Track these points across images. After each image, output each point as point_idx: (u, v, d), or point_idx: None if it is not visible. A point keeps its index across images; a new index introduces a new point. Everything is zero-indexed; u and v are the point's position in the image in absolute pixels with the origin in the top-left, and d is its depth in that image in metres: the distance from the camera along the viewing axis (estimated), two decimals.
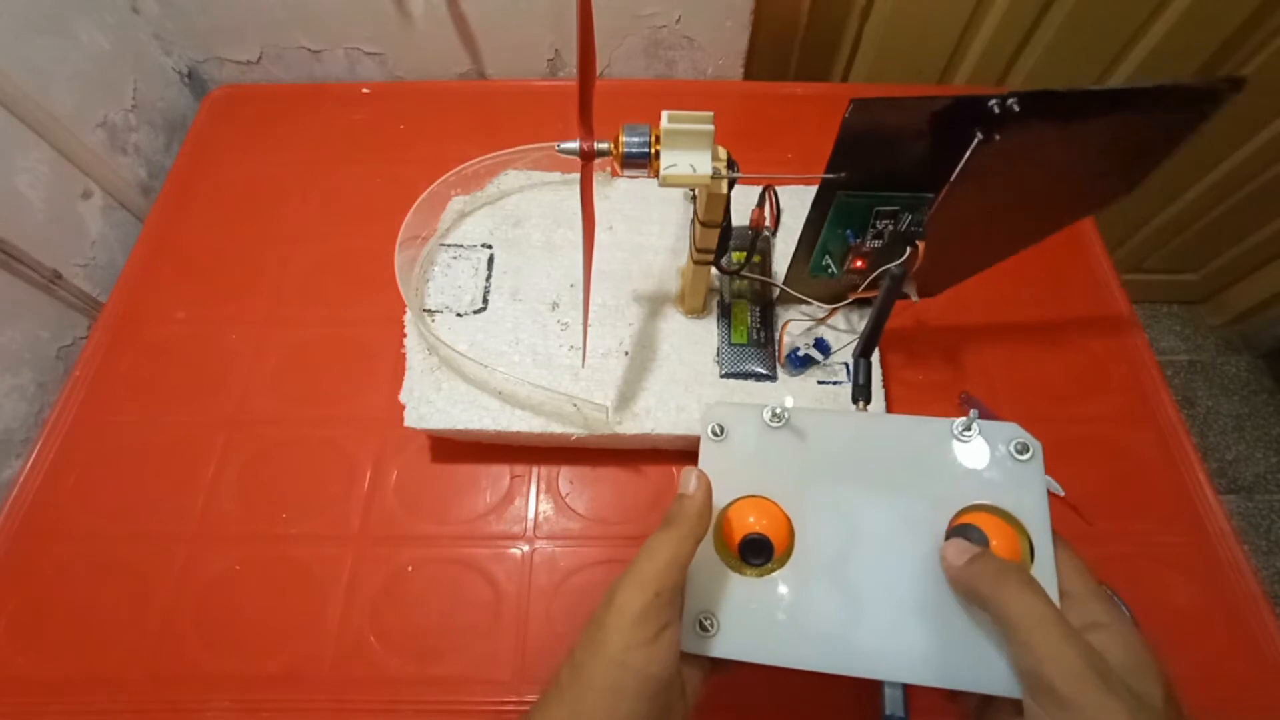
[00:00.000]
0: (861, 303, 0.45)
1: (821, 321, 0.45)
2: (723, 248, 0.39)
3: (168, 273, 0.53)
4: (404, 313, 0.45)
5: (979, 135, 0.31)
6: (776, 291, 0.46)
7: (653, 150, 0.32)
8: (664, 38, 0.62)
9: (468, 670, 0.39)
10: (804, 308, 0.45)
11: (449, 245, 0.49)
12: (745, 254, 0.47)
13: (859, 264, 0.40)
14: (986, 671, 0.25)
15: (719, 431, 0.30)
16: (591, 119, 0.31)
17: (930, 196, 0.36)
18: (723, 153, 0.34)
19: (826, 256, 0.41)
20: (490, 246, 0.49)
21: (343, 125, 0.61)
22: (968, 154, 0.32)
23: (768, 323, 0.45)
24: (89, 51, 0.55)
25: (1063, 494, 0.43)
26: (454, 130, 0.60)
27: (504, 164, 0.51)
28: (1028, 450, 0.28)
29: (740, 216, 0.43)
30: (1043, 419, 0.46)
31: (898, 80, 0.72)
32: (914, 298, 0.41)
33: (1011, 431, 0.29)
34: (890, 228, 0.38)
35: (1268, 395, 1.17)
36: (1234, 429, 1.14)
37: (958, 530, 0.27)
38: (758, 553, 0.27)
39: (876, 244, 0.39)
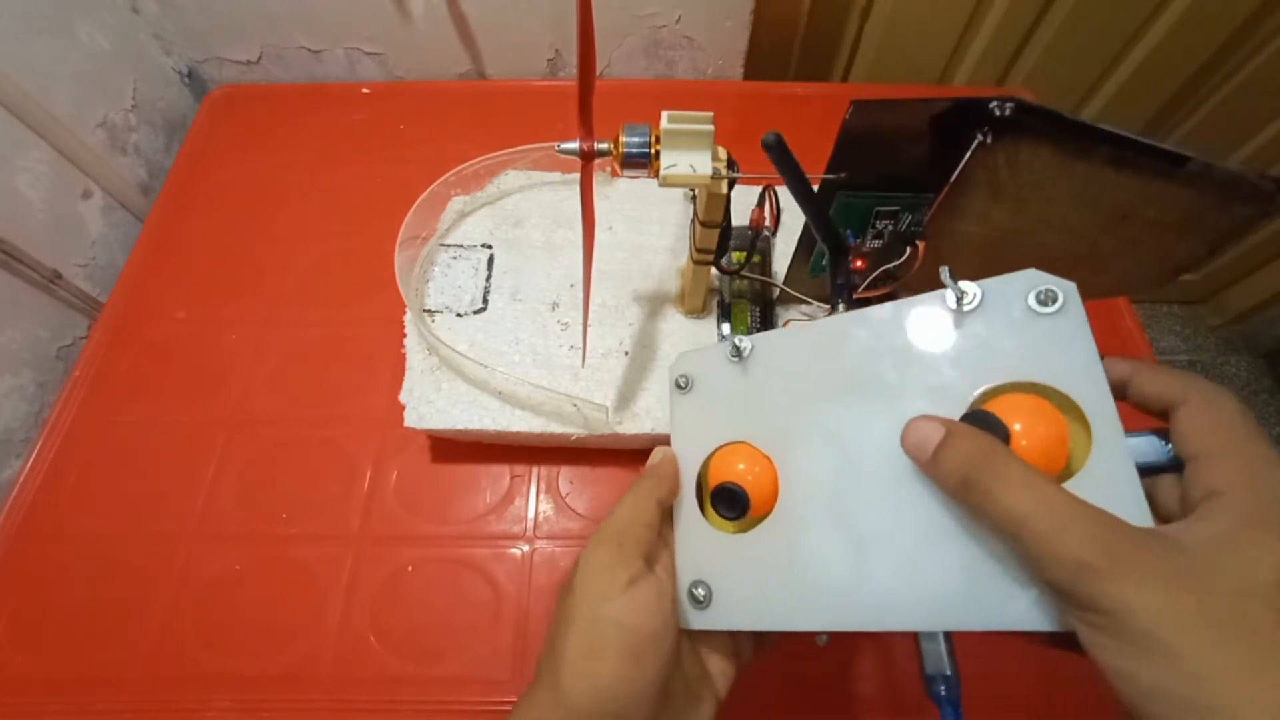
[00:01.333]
0: (862, 303, 0.45)
1: None
2: (723, 248, 0.39)
3: (168, 273, 0.53)
4: (404, 313, 0.45)
5: (979, 137, 0.31)
6: (776, 291, 0.46)
7: (653, 150, 0.32)
8: (664, 38, 0.62)
9: (467, 670, 0.39)
10: (804, 308, 0.45)
11: (449, 245, 0.49)
12: (745, 254, 0.47)
13: (859, 264, 0.40)
14: (1011, 603, 0.19)
15: (684, 384, 0.28)
16: (591, 119, 0.31)
17: (930, 197, 0.36)
18: (723, 153, 0.34)
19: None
20: (490, 246, 0.49)
21: (343, 125, 0.61)
22: (967, 155, 0.32)
23: (768, 323, 0.45)
24: (89, 51, 0.55)
25: None
26: (454, 130, 0.60)
27: (504, 164, 0.51)
28: (1056, 298, 0.21)
29: (740, 216, 0.43)
30: None
31: (898, 80, 0.72)
32: None
33: (1028, 281, 0.21)
34: (890, 228, 0.38)
35: (1268, 395, 1.17)
36: None
37: (970, 421, 0.20)
38: (731, 504, 0.24)
39: (876, 244, 0.39)
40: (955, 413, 0.21)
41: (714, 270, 0.42)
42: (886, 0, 0.66)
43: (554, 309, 0.46)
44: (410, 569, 0.42)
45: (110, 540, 0.43)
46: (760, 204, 0.48)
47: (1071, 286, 0.21)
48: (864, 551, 0.22)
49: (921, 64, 0.72)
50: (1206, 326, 1.23)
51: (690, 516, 0.27)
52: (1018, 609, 0.19)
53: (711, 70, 0.66)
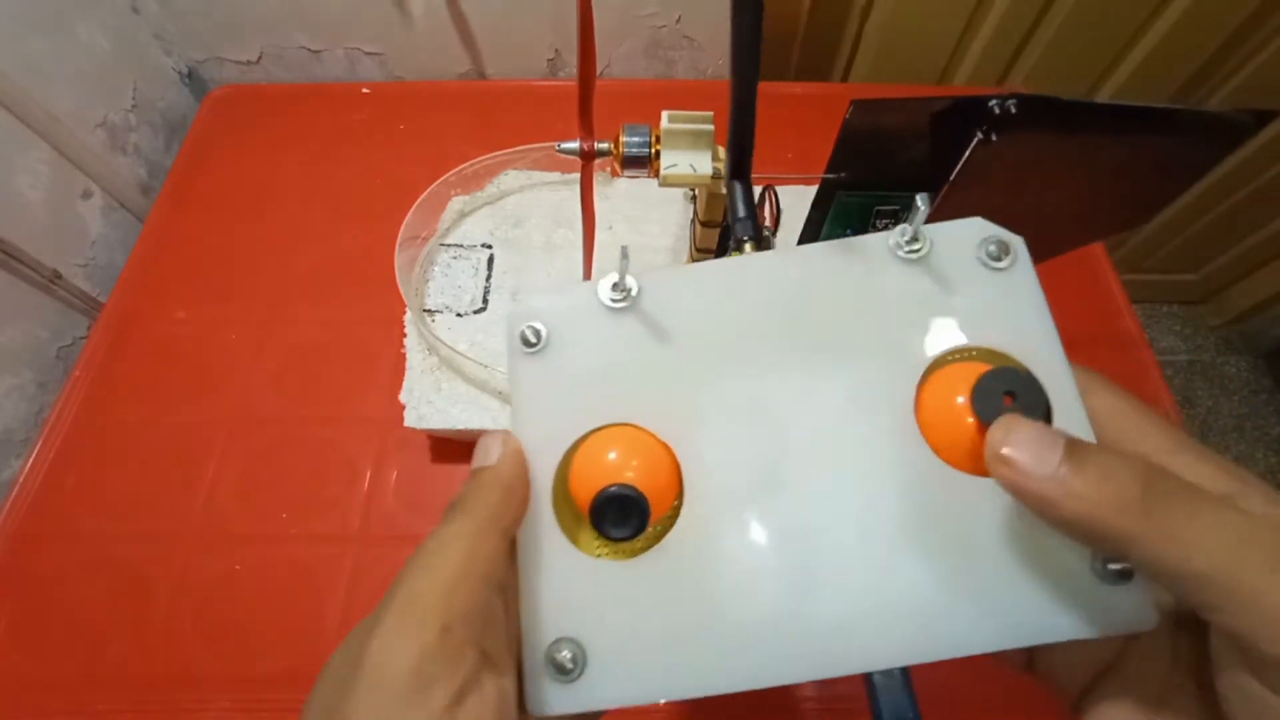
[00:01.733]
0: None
1: None
2: (723, 248, 0.39)
3: (168, 273, 0.53)
4: (404, 313, 0.45)
5: (979, 135, 0.31)
6: None
7: (653, 150, 0.32)
8: (664, 38, 0.62)
9: None
10: None
11: (449, 245, 0.49)
12: None
13: None
14: (1037, 610, 0.16)
15: (535, 339, 0.20)
16: (591, 119, 0.31)
17: (930, 196, 0.36)
18: (723, 153, 0.34)
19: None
20: (490, 246, 0.49)
21: (343, 125, 0.61)
22: (967, 154, 0.32)
23: None
24: (89, 51, 0.55)
25: None
26: (454, 130, 0.60)
27: (504, 164, 0.51)
28: (1008, 251, 0.19)
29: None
30: None
31: (898, 80, 0.72)
32: None
33: (977, 230, 0.20)
34: (890, 227, 0.38)
35: (1268, 395, 1.17)
36: (1234, 429, 1.14)
37: (984, 395, 0.16)
38: (622, 519, 0.17)
39: None
40: (909, 384, 0.18)
41: None
42: (886, 0, 0.66)
43: None
44: None
45: (110, 540, 0.43)
46: (760, 204, 0.48)
47: (1019, 240, 0.19)
48: (808, 568, 0.17)
49: (921, 64, 0.72)
50: (1206, 326, 1.23)
51: (548, 543, 0.18)
52: (1029, 619, 0.16)
53: (711, 70, 0.66)
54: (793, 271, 0.20)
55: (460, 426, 0.41)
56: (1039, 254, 0.39)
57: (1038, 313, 0.19)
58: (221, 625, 0.40)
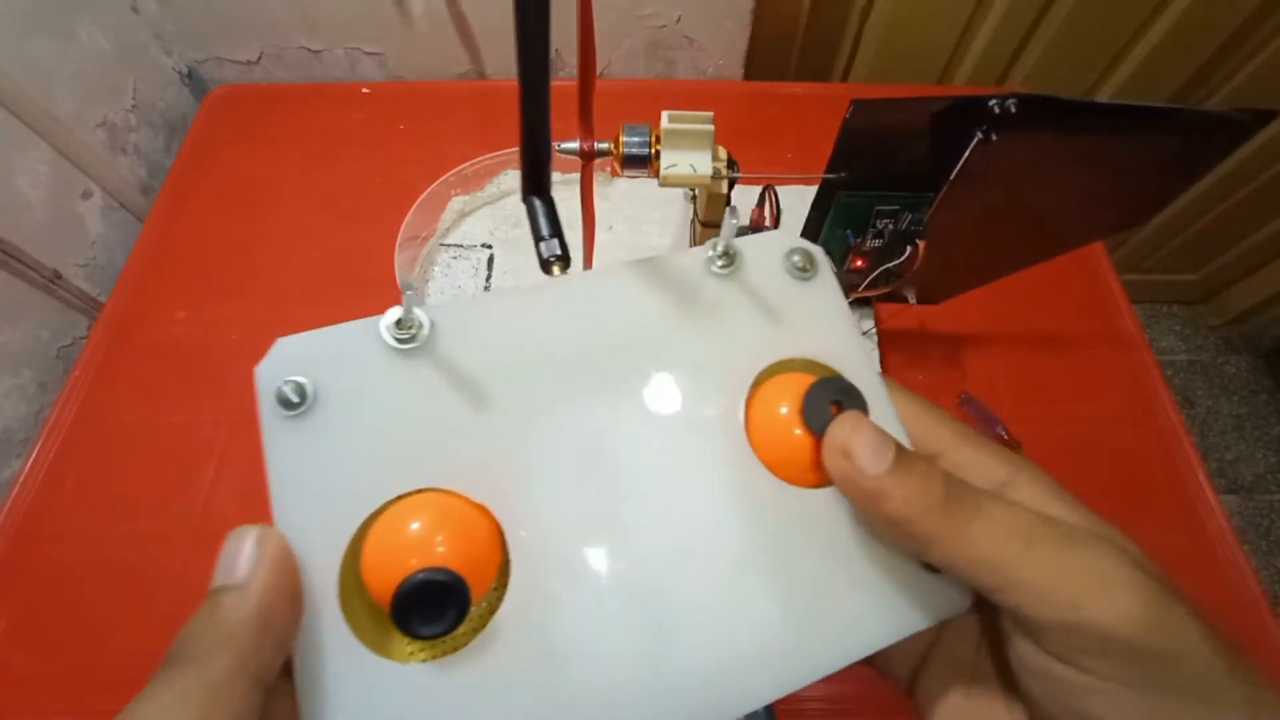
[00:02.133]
0: (861, 302, 0.45)
1: None
2: None
3: (168, 273, 0.53)
4: None
5: (979, 135, 0.31)
6: None
7: (653, 150, 0.32)
8: (664, 38, 0.62)
9: None
10: None
11: (449, 245, 0.49)
12: None
13: (859, 264, 0.41)
14: (881, 613, 0.17)
15: (297, 398, 0.16)
16: (591, 119, 0.31)
17: (931, 196, 0.36)
18: (723, 153, 0.34)
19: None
20: (490, 246, 0.49)
21: (343, 125, 0.61)
22: (967, 153, 0.32)
23: None
24: (89, 51, 0.55)
25: None
26: (454, 130, 0.60)
27: (504, 164, 0.51)
28: (813, 262, 0.19)
29: (740, 216, 0.43)
30: (1043, 419, 0.46)
31: (898, 80, 0.72)
32: (911, 300, 0.41)
33: (782, 242, 0.19)
34: (890, 227, 0.38)
35: (1268, 395, 1.17)
36: (1234, 429, 1.14)
37: (812, 406, 0.17)
38: (435, 611, 0.14)
39: (877, 244, 0.39)
40: (739, 396, 0.18)
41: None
42: (886, 0, 0.66)
43: None
44: None
45: (110, 540, 0.43)
46: (760, 204, 0.48)
47: (820, 250, 0.19)
48: (660, 622, 0.16)
49: (921, 64, 0.72)
50: (1206, 326, 1.23)
51: (342, 659, 0.15)
52: (875, 624, 0.16)
53: (711, 70, 0.66)
54: (606, 295, 0.18)
55: None
56: (1040, 253, 0.39)
57: (845, 320, 0.19)
58: None
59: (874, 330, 0.47)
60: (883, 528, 0.17)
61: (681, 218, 0.50)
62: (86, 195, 0.55)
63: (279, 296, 0.52)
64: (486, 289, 0.47)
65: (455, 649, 0.15)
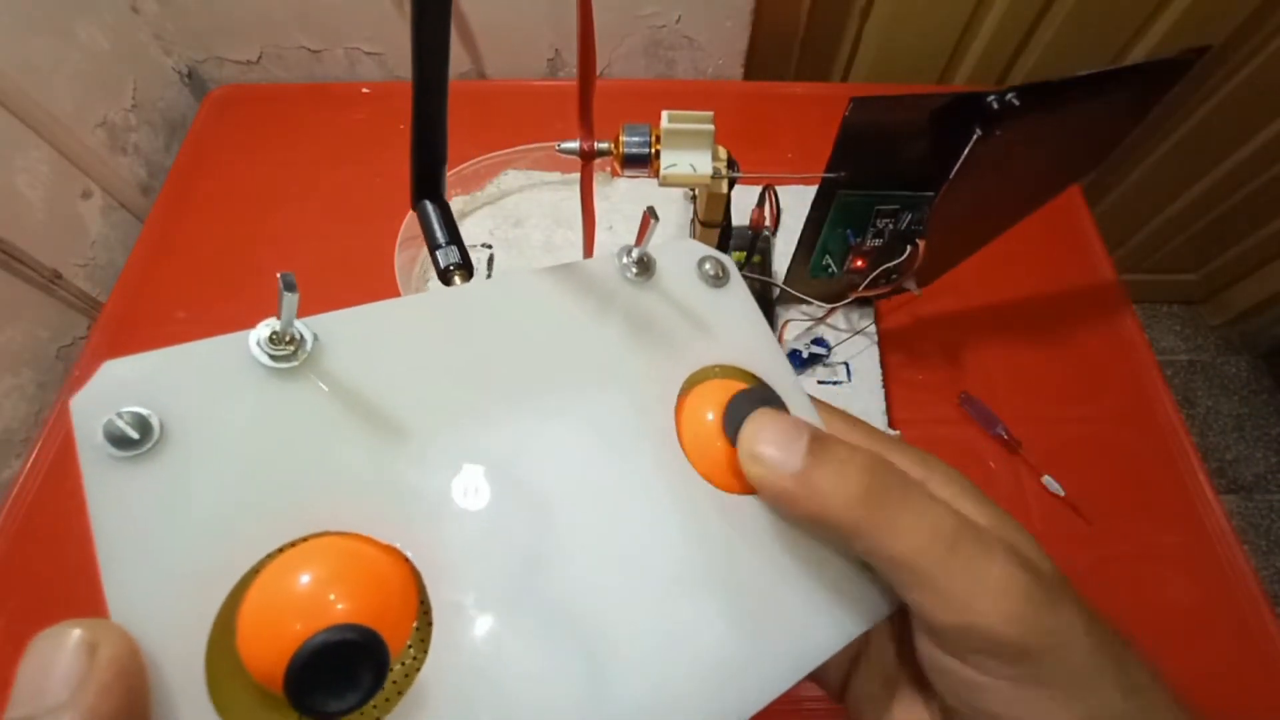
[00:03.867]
0: (862, 302, 0.45)
1: (821, 321, 0.45)
2: (723, 248, 0.39)
3: (168, 273, 0.53)
4: None
5: (978, 131, 0.31)
6: (777, 291, 0.46)
7: (653, 150, 0.32)
8: (664, 38, 0.62)
9: None
10: (804, 307, 0.45)
11: None
12: (745, 254, 0.47)
13: (859, 263, 0.41)
14: (825, 620, 0.16)
15: (137, 434, 0.13)
16: (591, 119, 0.31)
17: (930, 195, 0.36)
18: (723, 152, 0.34)
19: (827, 256, 0.41)
20: (490, 246, 0.49)
21: (343, 125, 0.61)
22: (967, 150, 0.32)
23: (768, 322, 0.46)
24: (89, 51, 0.55)
25: (1062, 494, 0.43)
26: (454, 130, 0.60)
27: (504, 164, 0.51)
28: (725, 271, 0.19)
29: (740, 216, 0.43)
30: (1043, 419, 0.46)
31: (898, 80, 0.72)
32: (916, 291, 0.41)
33: (694, 250, 0.19)
34: (890, 227, 0.38)
35: (1268, 395, 1.17)
36: (1234, 429, 1.14)
37: (734, 416, 0.16)
38: (346, 679, 0.11)
39: (877, 243, 0.39)
40: (668, 404, 0.17)
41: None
42: (886, 0, 0.66)
43: None
44: None
45: None
46: (760, 204, 0.48)
47: (729, 259, 0.19)
48: (601, 654, 0.14)
49: (921, 64, 0.72)
50: (1206, 326, 1.23)
51: None
52: (819, 631, 0.16)
53: (711, 70, 0.66)
54: (514, 304, 0.17)
55: None
56: (1017, 216, 0.42)
57: (762, 328, 0.19)
58: None
59: (874, 330, 0.47)
60: (806, 527, 0.17)
61: (682, 218, 0.50)
62: (86, 195, 0.55)
63: (279, 296, 0.51)
64: None
65: (385, 710, 0.12)
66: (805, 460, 0.15)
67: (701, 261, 0.19)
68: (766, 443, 0.16)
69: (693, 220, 0.39)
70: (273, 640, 0.11)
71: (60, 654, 0.11)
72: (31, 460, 0.45)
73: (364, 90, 0.63)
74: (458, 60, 0.64)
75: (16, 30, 0.49)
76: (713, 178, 0.33)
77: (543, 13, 0.60)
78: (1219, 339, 1.22)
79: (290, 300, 0.14)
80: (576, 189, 0.34)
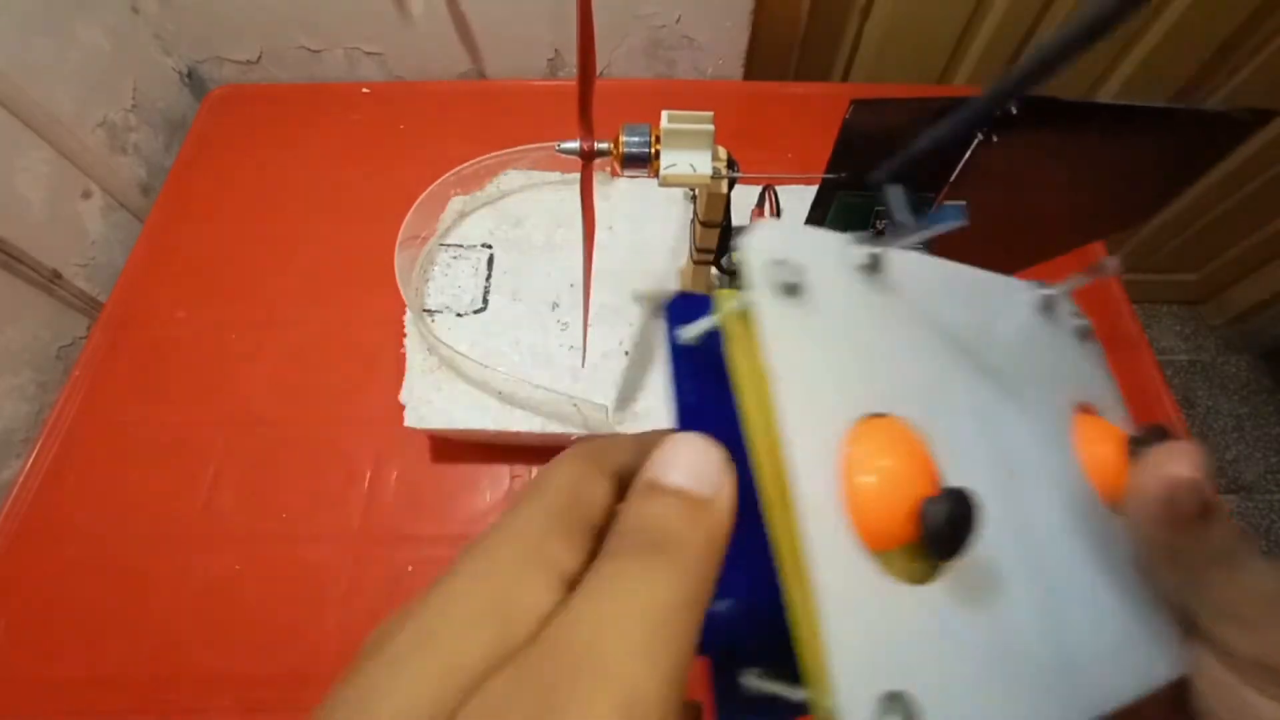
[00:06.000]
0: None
1: None
2: (723, 247, 0.39)
3: (168, 273, 0.53)
4: (404, 313, 0.45)
5: (979, 136, 0.31)
6: None
7: (653, 150, 0.32)
8: (664, 38, 0.62)
9: None
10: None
11: (449, 245, 0.49)
12: None
13: None
14: (1159, 655, 0.17)
15: (793, 286, 0.14)
16: (591, 119, 0.31)
17: (930, 197, 0.36)
18: (723, 152, 0.34)
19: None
20: (490, 246, 0.49)
21: (343, 125, 0.61)
22: (967, 154, 0.32)
23: None
24: (89, 51, 0.55)
25: None
26: (454, 130, 0.60)
27: (504, 164, 0.51)
28: (1089, 329, 0.21)
29: (740, 216, 0.43)
30: None
31: (898, 80, 0.72)
32: None
33: (1068, 305, 0.21)
34: (889, 228, 0.38)
35: (1268, 395, 1.17)
36: (1234, 429, 1.14)
37: (1147, 442, 0.17)
38: (954, 531, 0.13)
39: None
40: (1065, 429, 0.19)
41: (714, 270, 0.42)
42: (886, 0, 0.66)
43: (554, 309, 0.46)
44: (410, 569, 0.42)
45: (110, 540, 0.43)
46: (760, 204, 0.48)
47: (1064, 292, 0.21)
48: (1052, 606, 0.15)
49: (921, 64, 0.72)
50: (1206, 326, 1.23)
51: (847, 572, 0.13)
52: (1171, 656, 0.16)
53: (711, 70, 0.66)
54: (975, 290, 0.19)
55: (460, 426, 0.41)
56: (1040, 253, 0.39)
57: (1112, 384, 0.21)
58: (221, 625, 0.40)
59: None
60: (1167, 565, 0.17)
61: (682, 217, 0.50)
62: (86, 195, 0.55)
63: (278, 297, 0.52)
64: (486, 289, 0.47)
65: (918, 582, 0.14)
66: (1203, 516, 0.15)
67: (1074, 318, 0.21)
68: (1184, 467, 0.16)
69: (693, 220, 0.39)
70: (887, 494, 0.13)
71: (711, 454, 0.13)
72: (31, 460, 0.45)
73: (364, 90, 0.63)
74: (457, 60, 0.64)
75: (16, 30, 0.49)
76: (712, 178, 0.33)
77: (543, 13, 0.60)
78: (1219, 339, 1.22)
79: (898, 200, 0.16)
80: (576, 189, 0.34)
